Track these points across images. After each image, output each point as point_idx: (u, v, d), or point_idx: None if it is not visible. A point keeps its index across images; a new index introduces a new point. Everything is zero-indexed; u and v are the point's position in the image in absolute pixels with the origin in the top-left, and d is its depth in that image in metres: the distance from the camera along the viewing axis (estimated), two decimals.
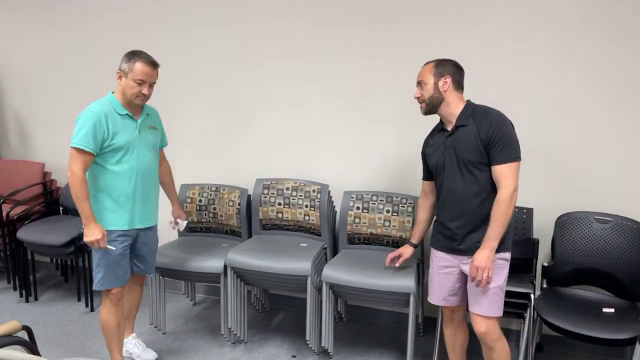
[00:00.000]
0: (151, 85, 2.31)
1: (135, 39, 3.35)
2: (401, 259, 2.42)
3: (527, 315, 2.41)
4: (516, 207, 2.73)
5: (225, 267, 2.70)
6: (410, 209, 2.80)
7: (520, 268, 2.64)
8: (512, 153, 1.96)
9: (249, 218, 3.05)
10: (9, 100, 3.78)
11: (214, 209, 3.10)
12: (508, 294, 2.40)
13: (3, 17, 3.72)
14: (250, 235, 3.06)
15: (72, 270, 3.78)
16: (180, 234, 3.18)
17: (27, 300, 3.39)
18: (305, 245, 2.86)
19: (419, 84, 2.09)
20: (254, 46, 3.13)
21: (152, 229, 2.53)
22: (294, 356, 2.76)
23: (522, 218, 2.71)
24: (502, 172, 1.96)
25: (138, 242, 2.48)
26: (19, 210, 3.31)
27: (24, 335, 1.89)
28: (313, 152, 3.10)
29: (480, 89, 2.70)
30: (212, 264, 2.74)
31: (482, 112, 2.03)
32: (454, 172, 2.06)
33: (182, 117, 3.35)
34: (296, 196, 2.97)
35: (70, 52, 3.55)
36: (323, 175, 3.03)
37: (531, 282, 2.50)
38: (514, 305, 2.44)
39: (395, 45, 2.84)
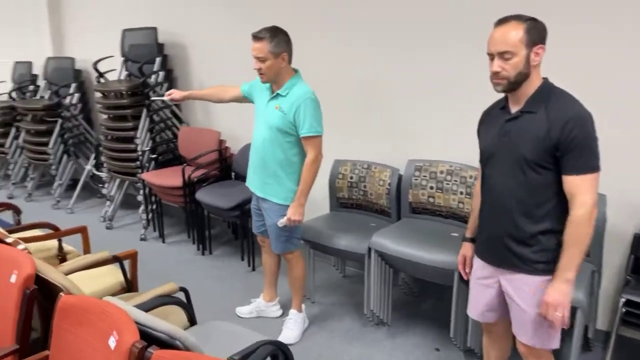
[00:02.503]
0: (260, 59, 2.35)
1: (284, 7, 3.40)
2: (468, 262, 1.98)
3: None
4: None
5: (369, 249, 2.66)
6: None
7: None
8: (591, 161, 1.56)
9: (399, 199, 2.93)
10: (196, 72, 4.20)
11: (365, 186, 3.05)
12: None
13: (199, 5, 4.11)
14: (399, 217, 2.95)
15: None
16: (332, 207, 3.22)
17: (203, 254, 3.84)
18: (456, 234, 2.64)
19: (502, 55, 1.58)
20: (410, 29, 2.91)
21: (266, 203, 2.56)
22: (437, 349, 2.62)
23: None
24: (578, 185, 1.55)
25: (260, 207, 2.65)
26: (198, 173, 3.72)
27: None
28: (470, 136, 2.80)
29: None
30: (357, 244, 2.71)
31: (558, 101, 1.58)
32: (503, 168, 1.66)
33: (337, 93, 3.33)
34: (450, 181, 2.75)
35: (249, 28, 3.77)
36: None
37: None
38: None
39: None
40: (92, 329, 1.51)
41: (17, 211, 3.09)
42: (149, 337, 1.50)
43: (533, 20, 1.59)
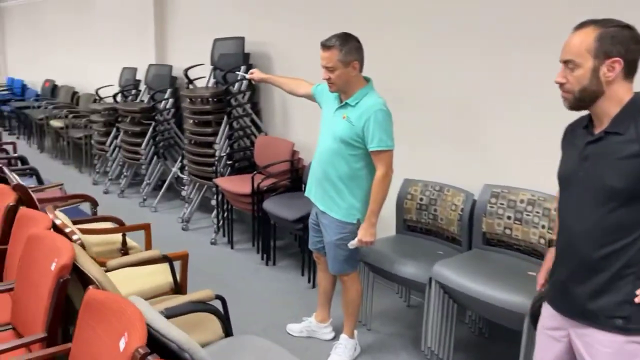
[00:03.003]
0: (329, 69, 2.23)
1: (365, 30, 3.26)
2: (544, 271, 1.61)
3: None
4: None
5: (430, 279, 2.40)
6: None
7: None
8: None
9: (471, 227, 2.64)
10: None
11: (435, 210, 2.80)
12: None
13: (285, 16, 4.13)
14: (470, 247, 2.65)
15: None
16: (398, 230, 3.00)
17: (267, 264, 3.78)
18: (533, 274, 2.30)
19: (566, 64, 1.36)
20: (496, 30, 2.64)
21: (325, 218, 2.42)
22: None
23: None
24: None
25: (319, 222, 2.51)
26: (268, 182, 3.68)
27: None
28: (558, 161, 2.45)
29: None
30: (417, 271, 2.47)
31: None
32: (581, 199, 1.35)
33: (410, 105, 3.12)
34: (532, 212, 2.41)
35: None
36: None
37: None
38: None
39: None
40: (108, 327, 1.46)
41: (94, 203, 3.25)
42: (161, 345, 1.41)
43: (619, 27, 1.30)
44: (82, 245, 2.13)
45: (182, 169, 4.94)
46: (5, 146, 4.98)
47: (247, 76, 2.84)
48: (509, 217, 2.49)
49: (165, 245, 3.38)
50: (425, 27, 3.04)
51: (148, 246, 2.88)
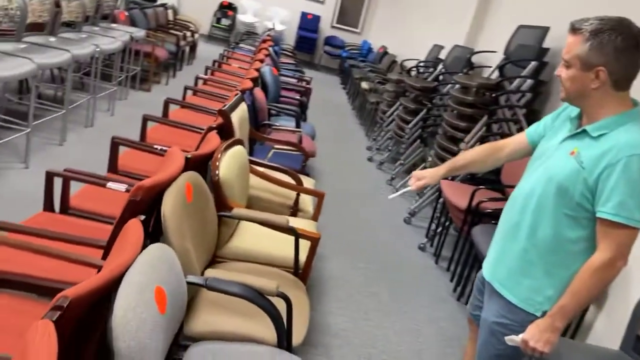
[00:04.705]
0: (565, 63, 1.39)
1: None
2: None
3: None
4: None
5: None
6: None
7: None
8: None
9: None
10: None
11: None
12: None
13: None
14: None
15: None
16: (623, 345, 1.90)
17: (457, 299, 3.08)
18: None
19: None
20: None
21: (493, 298, 1.64)
22: None
23: None
24: None
25: (483, 295, 1.75)
26: (494, 205, 2.92)
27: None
28: None
29: None
30: None
31: None
32: None
33: None
34: None
35: None
36: None
37: None
38: None
39: None
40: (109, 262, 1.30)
41: (306, 157, 3.21)
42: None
43: None
44: (218, 182, 2.06)
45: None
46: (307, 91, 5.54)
47: (409, 189, 1.89)
48: None
49: (369, 230, 3.05)
50: None
51: (315, 216, 2.66)
